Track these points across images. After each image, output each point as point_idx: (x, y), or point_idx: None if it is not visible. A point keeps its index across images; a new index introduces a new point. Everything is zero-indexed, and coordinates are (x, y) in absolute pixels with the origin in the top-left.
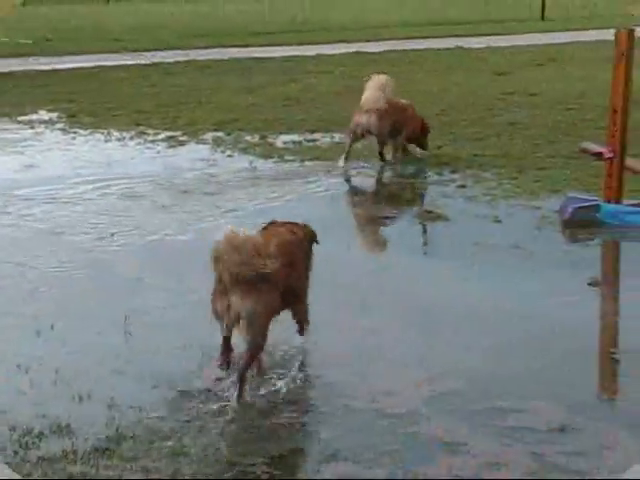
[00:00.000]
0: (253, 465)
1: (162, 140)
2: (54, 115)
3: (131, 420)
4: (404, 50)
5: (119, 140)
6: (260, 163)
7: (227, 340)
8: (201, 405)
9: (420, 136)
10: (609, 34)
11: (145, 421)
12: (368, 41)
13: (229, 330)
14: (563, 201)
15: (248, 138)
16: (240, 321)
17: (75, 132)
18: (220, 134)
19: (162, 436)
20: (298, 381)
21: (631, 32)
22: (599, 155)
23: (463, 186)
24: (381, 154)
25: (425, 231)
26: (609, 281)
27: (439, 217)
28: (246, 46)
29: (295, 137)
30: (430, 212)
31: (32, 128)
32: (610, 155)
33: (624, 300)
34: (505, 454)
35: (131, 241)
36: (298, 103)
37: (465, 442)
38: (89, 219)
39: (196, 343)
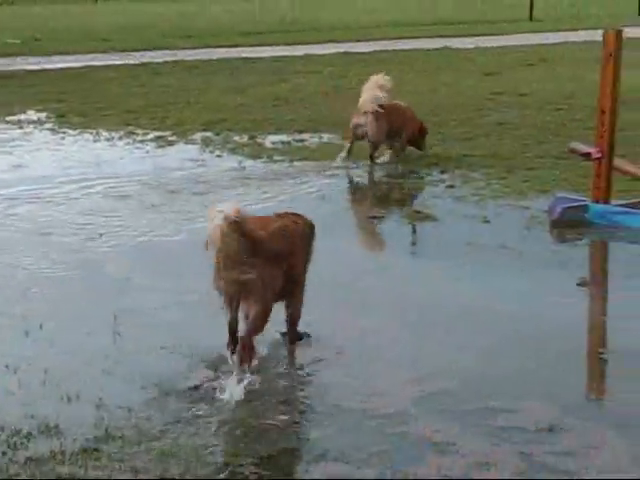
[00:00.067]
0: (242, 465)
1: (151, 140)
2: (43, 115)
3: (120, 420)
4: (393, 50)
5: (108, 140)
6: (249, 163)
7: (233, 330)
8: (190, 406)
9: (418, 137)
10: (598, 35)
11: (134, 421)
12: (357, 41)
13: (233, 307)
14: (552, 201)
15: (237, 138)
16: (244, 292)
17: (64, 132)
18: (209, 134)
19: (151, 436)
20: (286, 381)
21: (619, 33)
22: (588, 155)
23: (452, 186)
24: (372, 156)
25: (414, 231)
26: (597, 281)
27: (428, 217)
28: (235, 46)
29: (284, 137)
30: (419, 212)
31: (21, 128)
32: (598, 155)
33: (612, 300)
34: (494, 454)
35: (120, 241)
36: (287, 103)
37: (454, 442)
38: (78, 219)
39: (185, 344)
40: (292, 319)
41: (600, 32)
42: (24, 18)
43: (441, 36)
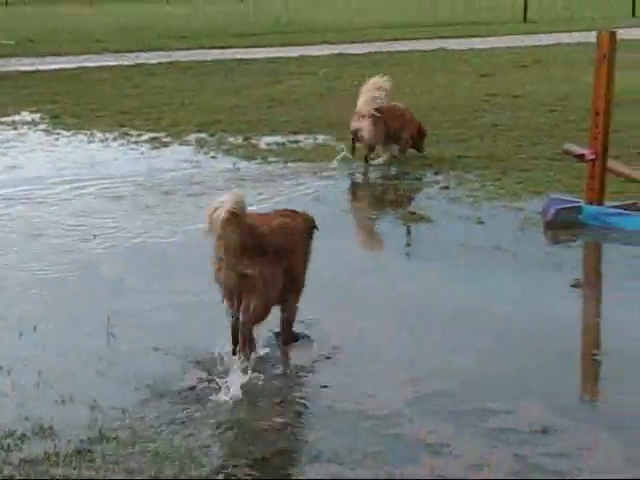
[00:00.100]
0: (236, 467)
1: (145, 141)
2: (37, 116)
3: (114, 422)
4: (388, 52)
5: (102, 141)
6: (243, 164)
7: (236, 331)
8: (184, 407)
9: (417, 139)
10: (592, 36)
11: (128, 423)
12: (352, 42)
13: (233, 303)
14: (546, 202)
15: (231, 139)
16: (245, 287)
17: (58, 133)
18: (203, 135)
19: (145, 438)
20: (281, 382)
21: (613, 34)
22: (581, 157)
23: (446, 187)
24: (367, 158)
25: (409, 232)
26: (591, 283)
27: (423, 218)
28: (229, 47)
29: (278, 138)
30: (414, 213)
31: (15, 129)
32: (592, 157)
33: (606, 302)
34: (488, 455)
35: (114, 242)
36: (281, 104)
37: (448, 443)
38: (72, 220)
39: (179, 345)
40: (288, 320)
41: (594, 34)
42: (18, 19)
43: (436, 37)
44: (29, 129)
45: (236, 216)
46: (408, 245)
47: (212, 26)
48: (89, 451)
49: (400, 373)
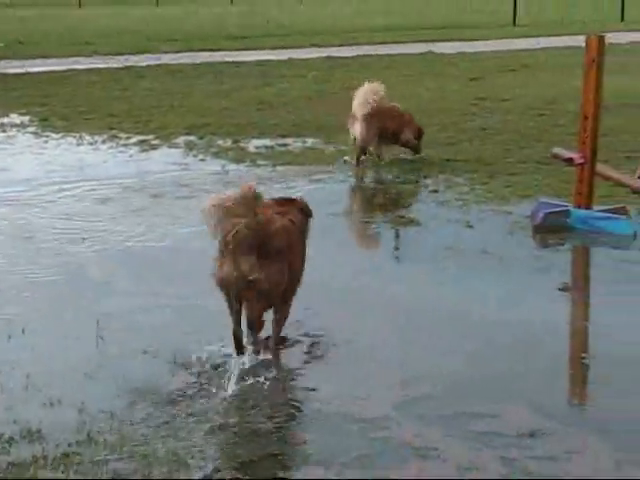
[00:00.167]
0: (224, 470)
1: (134, 144)
2: (26, 119)
3: (102, 425)
4: (377, 55)
5: (91, 144)
6: (232, 167)
7: (238, 339)
8: (172, 410)
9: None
10: (580, 40)
11: (116, 426)
12: (341, 46)
13: (237, 302)
14: (534, 206)
15: (220, 142)
16: (253, 291)
17: (47, 136)
18: (192, 138)
19: (133, 441)
20: (269, 385)
21: (601, 38)
22: (570, 161)
23: (435, 191)
24: (358, 159)
25: (398, 236)
26: (579, 287)
27: (412, 222)
28: (219, 50)
29: (267, 141)
30: (403, 217)
31: (4, 132)
32: (581, 161)
33: (594, 305)
34: (475, 459)
35: (103, 245)
36: (271, 107)
37: (436, 447)
38: (60, 223)
39: (168, 348)
40: (280, 319)
41: (583, 38)
42: (7, 21)
43: (425, 41)
44: (18, 131)
45: (249, 211)
46: (397, 248)
47: (202, 29)
48: (77, 454)
49: (388, 376)
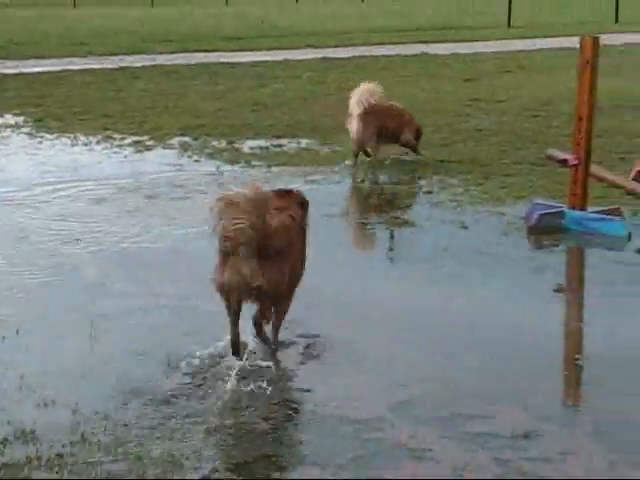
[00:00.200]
0: (219, 471)
1: (129, 145)
2: (20, 119)
3: (96, 426)
4: (372, 56)
5: (86, 144)
6: (227, 168)
7: (236, 345)
8: (166, 411)
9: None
10: (575, 42)
11: (110, 427)
12: (336, 47)
13: (237, 305)
14: (529, 207)
15: (215, 143)
16: (257, 296)
17: (42, 136)
18: (187, 139)
19: (127, 442)
20: (264, 386)
21: (596, 40)
22: (564, 162)
23: (430, 192)
24: (356, 155)
25: (392, 237)
26: (574, 288)
27: (406, 223)
28: (214, 51)
29: (262, 142)
30: (397, 218)
31: None
32: (575, 162)
33: (588, 306)
34: (470, 460)
35: (97, 246)
36: (266, 108)
37: (430, 448)
38: (54, 223)
39: (162, 349)
40: (280, 314)
41: (577, 39)
42: (1, 22)
43: (420, 42)
44: (12, 132)
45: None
46: (392, 249)
47: (197, 29)
48: (71, 455)
49: (383, 378)
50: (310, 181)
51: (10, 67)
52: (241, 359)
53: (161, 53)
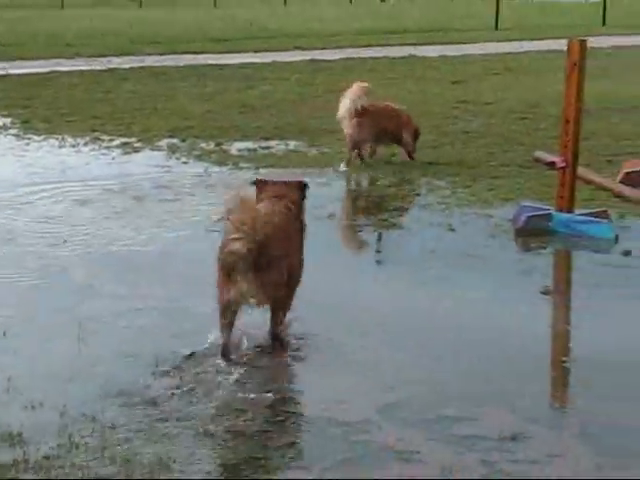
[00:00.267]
0: (206, 473)
1: (117, 146)
2: (7, 121)
3: (83, 428)
4: (360, 58)
5: (73, 146)
6: (215, 170)
7: (228, 354)
8: (153, 413)
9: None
10: (562, 44)
11: (97, 429)
12: (324, 49)
13: (229, 321)
14: (516, 210)
15: (203, 145)
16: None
17: (29, 138)
18: (175, 141)
19: (114, 444)
20: (251, 388)
21: (583, 42)
22: (552, 164)
23: (417, 194)
24: (349, 160)
25: (380, 239)
26: (561, 290)
27: (394, 225)
28: (202, 53)
29: (250, 144)
30: (385, 220)
31: None
32: (563, 165)
33: (576, 309)
34: (457, 462)
35: (85, 248)
36: (254, 110)
37: (418, 450)
38: (42, 225)
39: (151, 351)
40: (277, 318)
41: (565, 41)
42: None
43: (407, 44)
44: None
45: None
46: (379, 252)
47: (186, 31)
48: (58, 457)
49: (371, 380)
50: None
51: None
52: (230, 361)
53: (149, 55)
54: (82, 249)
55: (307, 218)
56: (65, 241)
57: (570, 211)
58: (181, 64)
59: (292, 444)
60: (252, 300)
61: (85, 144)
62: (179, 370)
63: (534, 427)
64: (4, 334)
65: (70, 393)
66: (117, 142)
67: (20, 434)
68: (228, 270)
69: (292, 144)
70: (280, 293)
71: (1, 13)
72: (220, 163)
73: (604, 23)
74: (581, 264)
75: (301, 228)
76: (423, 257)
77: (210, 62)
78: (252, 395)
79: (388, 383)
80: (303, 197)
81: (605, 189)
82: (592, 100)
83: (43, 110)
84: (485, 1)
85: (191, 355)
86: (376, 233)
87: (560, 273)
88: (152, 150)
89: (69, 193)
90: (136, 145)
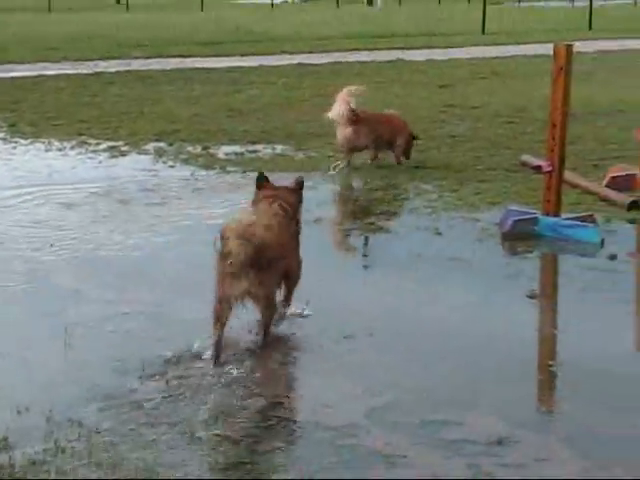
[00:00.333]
0: (192, 479)
1: (104, 150)
2: None
3: (69, 433)
4: (347, 62)
5: (60, 150)
6: (202, 174)
7: (219, 345)
8: (140, 418)
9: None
10: (549, 48)
11: (84, 434)
12: (311, 53)
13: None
14: (503, 214)
15: (190, 149)
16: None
17: (16, 142)
18: (162, 144)
19: (100, 448)
20: (237, 392)
21: (569, 47)
22: (538, 168)
23: (404, 198)
24: (348, 162)
25: (366, 243)
26: (547, 294)
27: (380, 229)
28: (189, 56)
29: (237, 148)
30: (372, 224)
31: None
32: (549, 169)
33: (562, 313)
34: (444, 466)
35: (71, 252)
36: (241, 114)
37: (405, 455)
38: (28, 229)
39: (136, 356)
40: (268, 320)
41: (551, 46)
42: None
43: (395, 48)
44: None
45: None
46: (366, 255)
47: (172, 35)
48: (44, 462)
49: (358, 384)
50: None
51: None
52: (219, 364)
53: (136, 58)
54: (69, 253)
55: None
56: (52, 245)
57: (556, 215)
58: (168, 68)
59: (279, 449)
60: (249, 298)
61: (72, 148)
62: (166, 375)
63: (521, 431)
64: None
65: (56, 398)
66: (104, 146)
67: (6, 439)
68: (229, 266)
69: (279, 148)
70: (273, 294)
71: None
72: (207, 167)
73: (590, 27)
74: (567, 268)
75: (297, 229)
76: (410, 261)
77: (197, 66)
78: (240, 400)
79: (376, 387)
80: (300, 200)
81: (591, 193)
82: (578, 104)
83: (30, 114)
84: (472, 5)
85: (178, 360)
86: (363, 237)
87: (546, 277)
88: (139, 154)
89: (56, 197)
90: (123, 149)
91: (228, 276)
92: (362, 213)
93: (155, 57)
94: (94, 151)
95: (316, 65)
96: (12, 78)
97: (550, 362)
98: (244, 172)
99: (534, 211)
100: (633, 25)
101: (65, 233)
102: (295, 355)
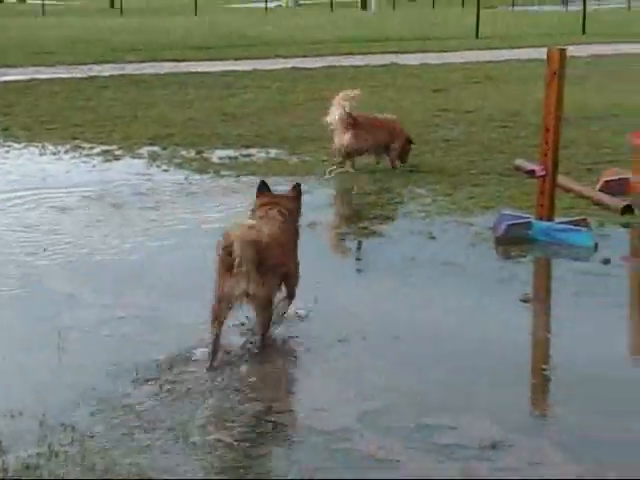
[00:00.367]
0: None
1: (97, 154)
2: None
3: (63, 437)
4: (341, 66)
5: (54, 154)
6: (196, 178)
7: (216, 345)
8: (134, 422)
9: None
10: (542, 53)
11: (77, 438)
12: (305, 57)
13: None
14: (496, 218)
15: (184, 153)
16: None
17: (9, 146)
18: (156, 148)
19: (94, 453)
20: (231, 396)
21: (563, 51)
22: (532, 173)
23: (398, 202)
24: (352, 165)
25: (360, 247)
26: (541, 298)
27: (374, 233)
28: (183, 60)
29: (231, 152)
30: (365, 228)
31: None
32: (542, 173)
33: (556, 317)
34: (437, 471)
35: (64, 256)
36: (234, 118)
37: (398, 459)
38: (21, 233)
39: (129, 360)
40: (266, 321)
41: (545, 50)
42: None
43: (389, 52)
44: None
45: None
46: (359, 260)
47: (166, 39)
48: (37, 467)
49: (351, 388)
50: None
51: None
52: (215, 364)
53: (130, 62)
54: (63, 258)
55: None
56: (45, 249)
57: (550, 219)
58: (162, 72)
59: (272, 453)
60: (248, 299)
61: (66, 152)
62: (160, 379)
63: (514, 435)
64: None
65: (50, 402)
66: (98, 150)
67: None
68: (230, 264)
69: (273, 152)
70: (272, 296)
71: None
72: (201, 171)
73: (584, 32)
74: (561, 272)
75: (295, 230)
76: (403, 265)
77: (191, 70)
78: (234, 404)
79: (370, 391)
80: (299, 206)
81: (585, 197)
82: (572, 108)
83: (23, 118)
84: (466, 10)
85: (173, 364)
86: (357, 241)
87: (540, 281)
88: (133, 158)
89: (49, 201)
90: (117, 153)
91: (229, 276)
92: (356, 217)
93: (149, 61)
94: (88, 155)
95: (310, 69)
96: (5, 82)
97: (544, 366)
98: (238, 176)
99: (528, 215)
100: (627, 29)
101: (59, 237)
102: (289, 359)
